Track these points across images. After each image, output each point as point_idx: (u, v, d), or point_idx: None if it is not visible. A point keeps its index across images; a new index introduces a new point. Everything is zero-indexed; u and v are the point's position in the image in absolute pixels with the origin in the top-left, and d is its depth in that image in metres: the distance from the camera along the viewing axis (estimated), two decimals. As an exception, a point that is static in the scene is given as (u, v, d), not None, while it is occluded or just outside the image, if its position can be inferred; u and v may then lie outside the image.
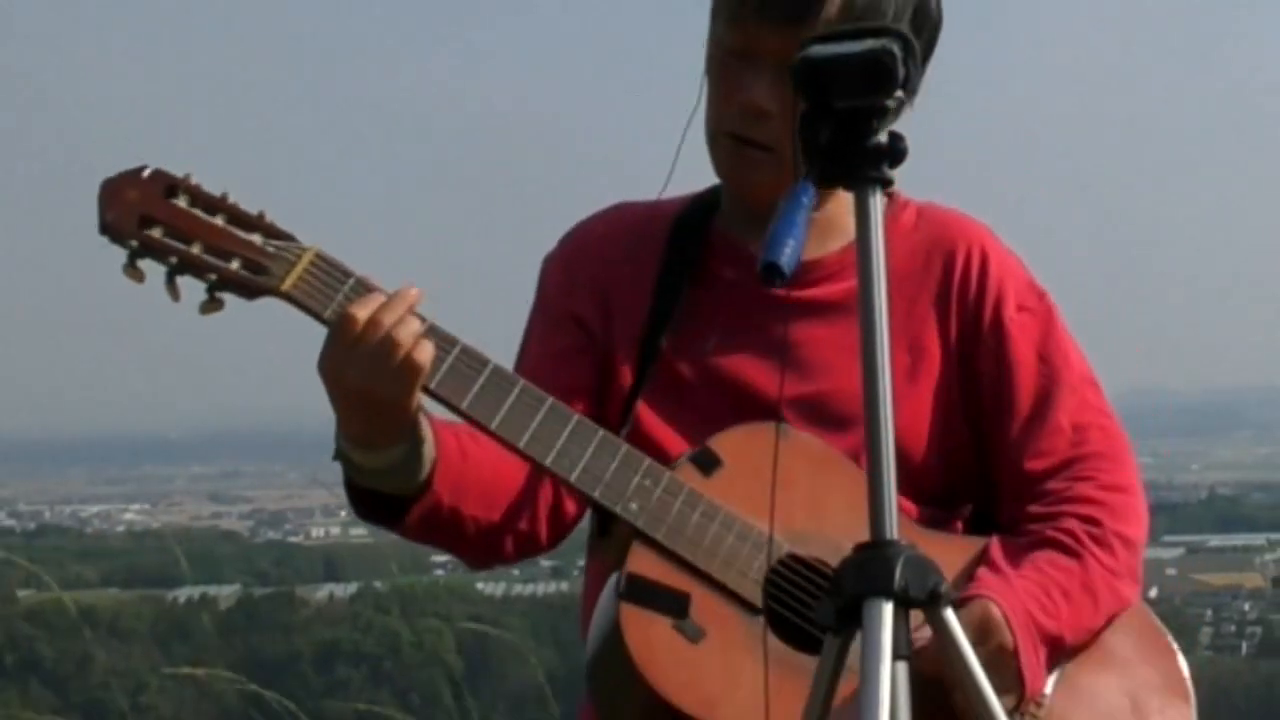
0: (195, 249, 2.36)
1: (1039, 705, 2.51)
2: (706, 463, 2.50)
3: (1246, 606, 49.44)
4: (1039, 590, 2.49)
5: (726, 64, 2.57)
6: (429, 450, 2.46)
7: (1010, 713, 2.42)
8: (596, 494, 2.46)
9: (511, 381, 2.45)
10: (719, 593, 2.45)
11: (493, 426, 2.43)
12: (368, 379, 2.35)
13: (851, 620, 2.09)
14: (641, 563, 2.44)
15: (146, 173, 2.37)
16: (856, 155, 2.14)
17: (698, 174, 2.71)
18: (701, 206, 2.71)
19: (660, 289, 2.65)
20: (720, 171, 2.63)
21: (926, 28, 2.58)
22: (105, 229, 2.35)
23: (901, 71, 2.13)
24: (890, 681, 2.04)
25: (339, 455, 2.47)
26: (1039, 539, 2.54)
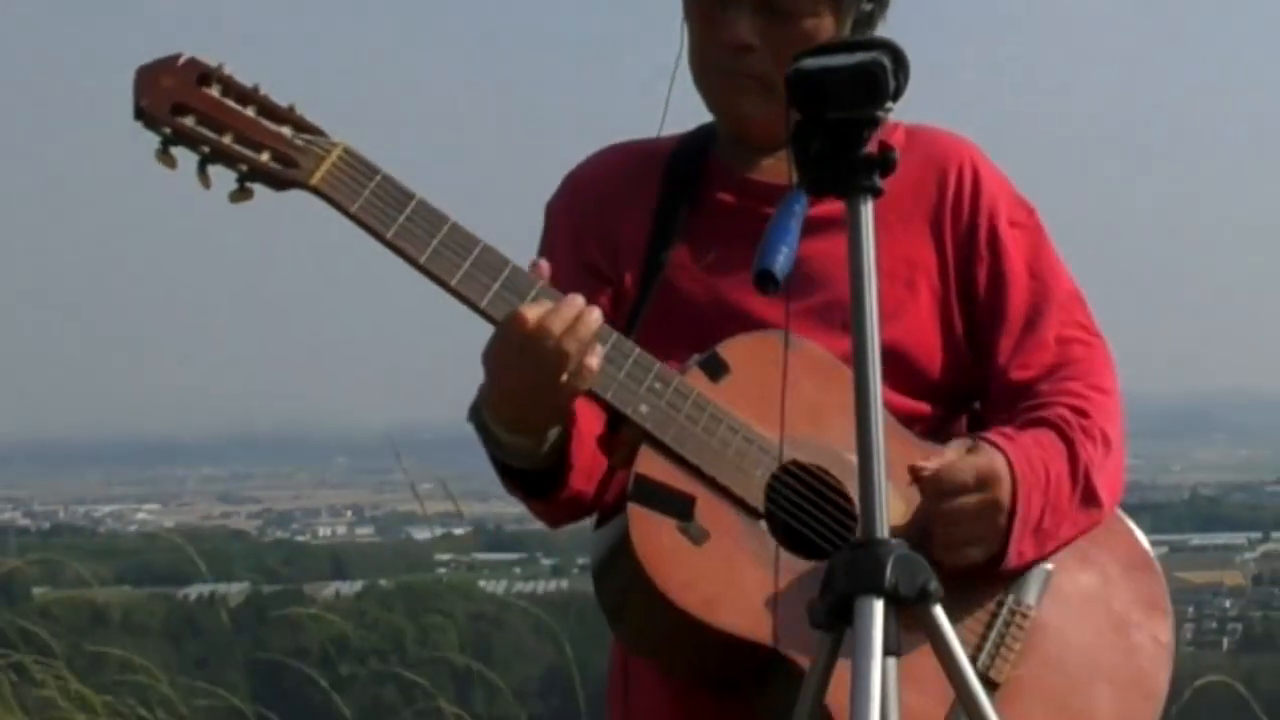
0: (227, 139, 2.35)
1: (1025, 616, 2.53)
2: (715, 369, 2.50)
3: (1227, 603, 49.42)
4: (1040, 463, 2.51)
5: (705, 6, 2.59)
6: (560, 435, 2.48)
7: (979, 570, 2.45)
8: (609, 396, 2.45)
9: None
10: (723, 497, 2.45)
11: None
12: (528, 381, 2.38)
13: (843, 617, 2.09)
14: (649, 464, 2.44)
15: (181, 60, 2.36)
16: (848, 164, 2.15)
17: (688, 121, 2.74)
18: (697, 139, 2.73)
19: (660, 214, 2.65)
20: (713, 106, 2.66)
21: None
22: (139, 115, 2.34)
23: (891, 84, 2.13)
24: (881, 677, 2.04)
25: (481, 427, 2.48)
26: (1032, 419, 2.56)
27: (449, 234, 2.40)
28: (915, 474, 2.45)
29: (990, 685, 2.39)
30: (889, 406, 2.52)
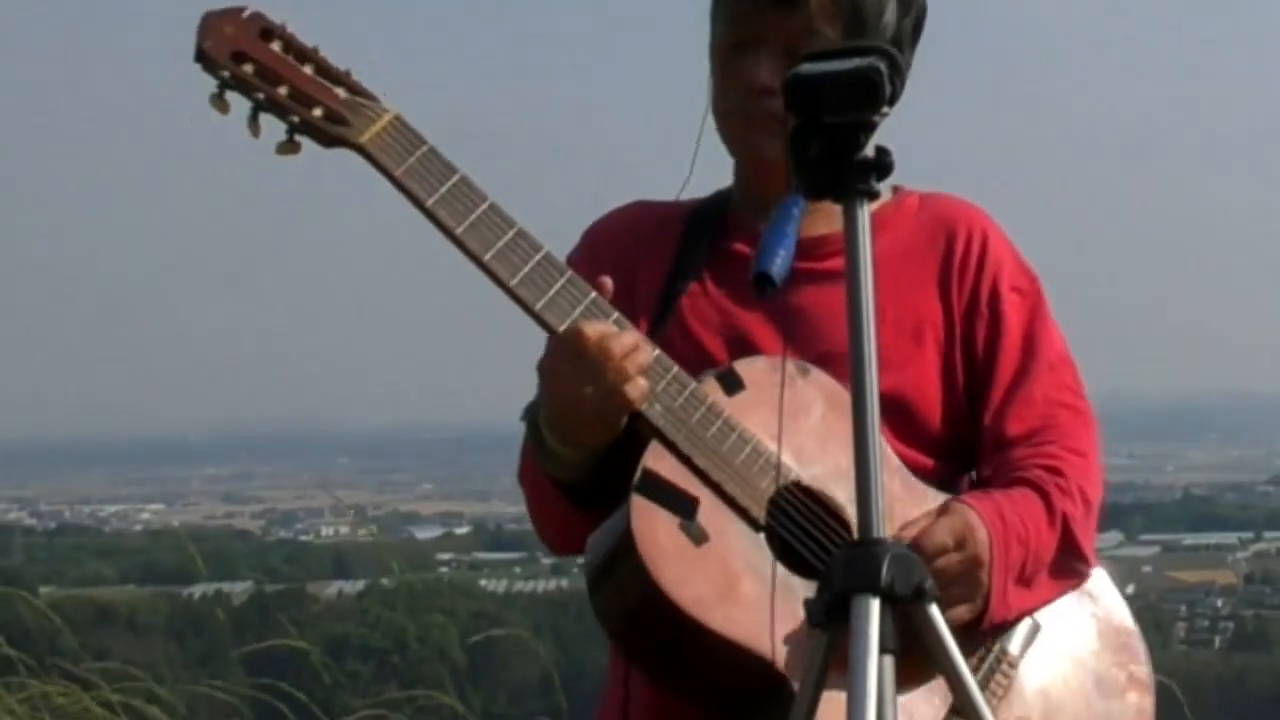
0: (281, 90, 2.38)
1: (1011, 665, 2.52)
2: (731, 382, 2.50)
3: (1219, 602, 49.50)
4: (1014, 516, 2.50)
5: (729, 57, 2.60)
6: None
7: (969, 627, 2.43)
8: None
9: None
10: (726, 504, 2.44)
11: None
12: (583, 396, 2.39)
13: (840, 615, 2.09)
14: (658, 461, 2.43)
15: (246, 13, 2.41)
16: (845, 168, 2.15)
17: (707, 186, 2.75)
18: (716, 199, 2.74)
19: (679, 258, 2.66)
20: (733, 149, 2.66)
21: (914, 8, 2.63)
22: (200, 57, 2.37)
23: (888, 88, 2.14)
24: (877, 675, 2.04)
25: (533, 433, 2.49)
26: (1008, 481, 2.57)
27: (488, 211, 2.41)
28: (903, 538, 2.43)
29: None
30: (903, 458, 2.58)
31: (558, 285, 2.43)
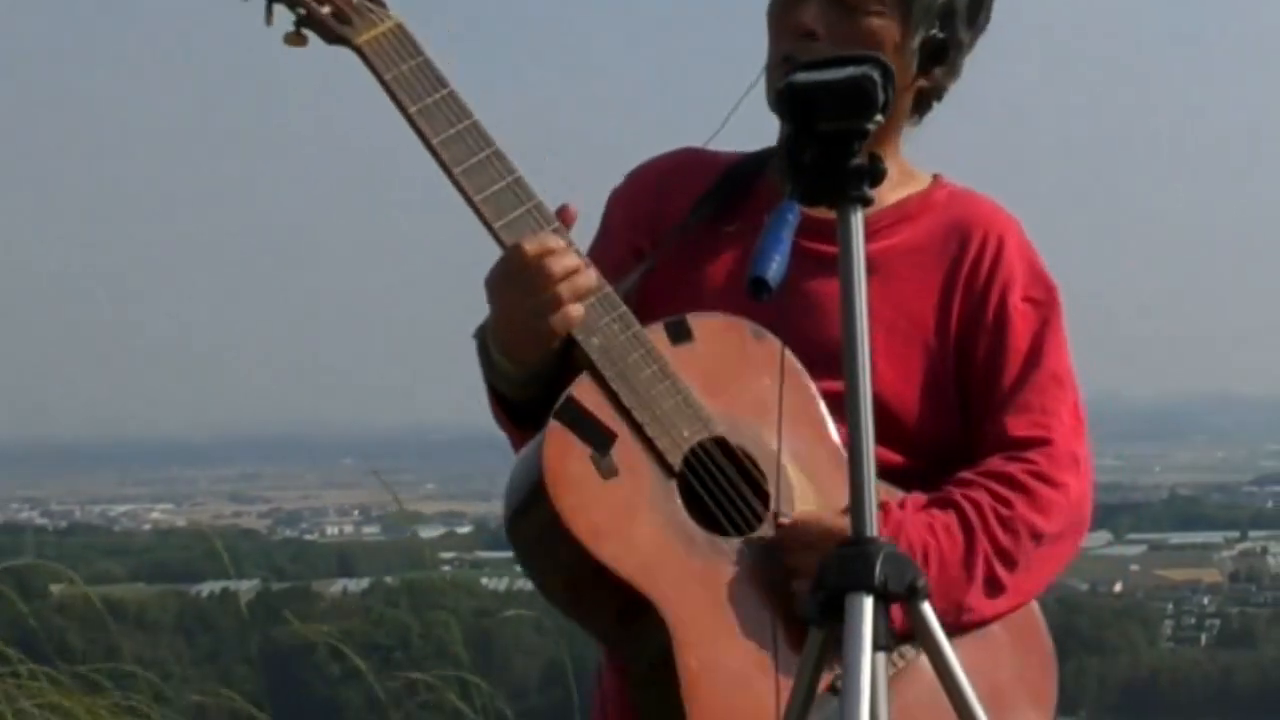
0: None
1: (902, 656, 2.44)
2: (678, 332, 2.48)
3: (1206, 600, 49.50)
4: (917, 531, 2.44)
5: (781, 10, 2.58)
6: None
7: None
8: None
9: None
10: (644, 445, 2.42)
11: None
12: (518, 312, 2.41)
13: (834, 613, 2.09)
14: (584, 393, 2.42)
15: None
16: (839, 176, 2.15)
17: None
18: (756, 159, 2.70)
19: (697, 208, 2.64)
20: (771, 98, 2.60)
21: None
22: None
23: (881, 97, 2.14)
24: (871, 671, 2.04)
25: (481, 346, 2.50)
26: (945, 498, 2.50)
27: (470, 128, 2.43)
28: (778, 527, 2.43)
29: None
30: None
31: (521, 210, 2.43)
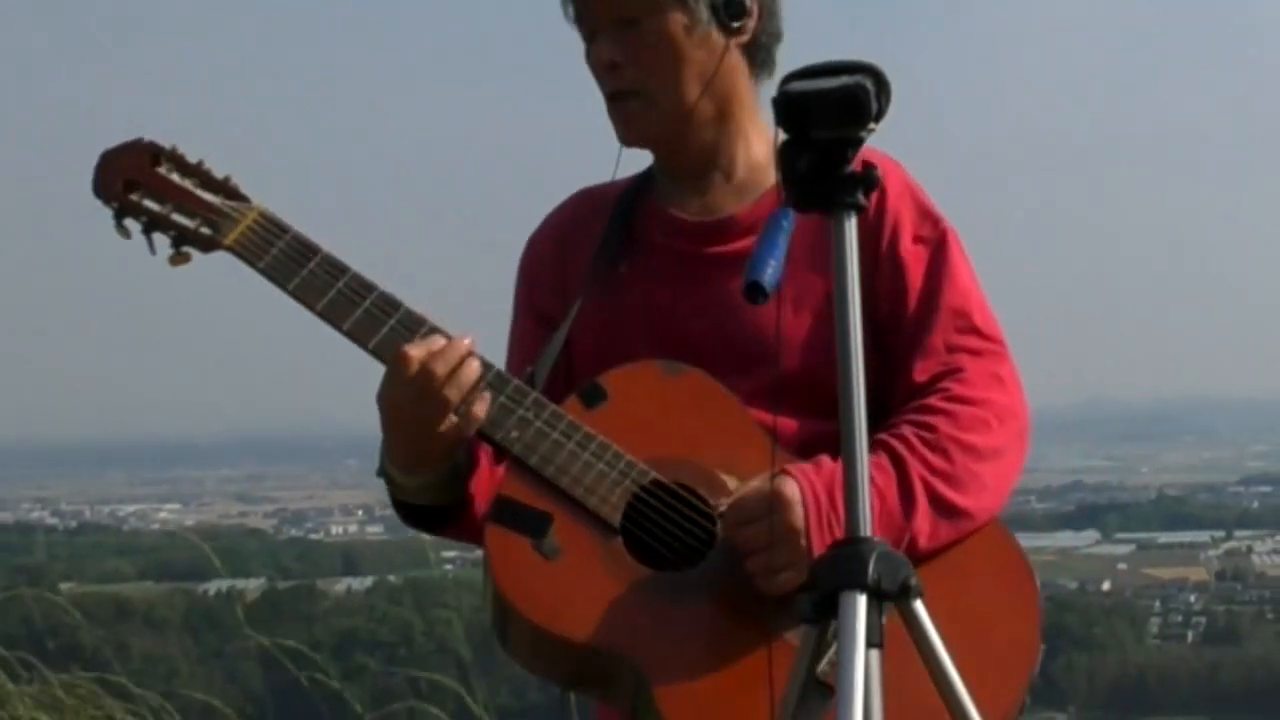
0: (165, 209, 2.50)
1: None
2: (592, 397, 2.47)
3: (1192, 598, 49.56)
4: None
5: (587, 51, 2.58)
6: (464, 469, 2.49)
7: (800, 591, 2.28)
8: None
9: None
10: (581, 515, 2.42)
11: None
12: (416, 421, 2.40)
13: (828, 612, 2.09)
14: (512, 486, 2.42)
15: (139, 143, 2.52)
16: (832, 183, 2.15)
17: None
18: (643, 180, 2.69)
19: (598, 254, 2.62)
20: (617, 136, 2.59)
21: None
22: (96, 192, 2.51)
23: (874, 105, 2.13)
24: (865, 668, 2.04)
25: (382, 472, 2.51)
26: (872, 443, 2.35)
27: (349, 282, 2.47)
28: (718, 517, 2.41)
29: (827, 689, 2.33)
30: (806, 434, 2.48)
31: (389, 324, 2.45)
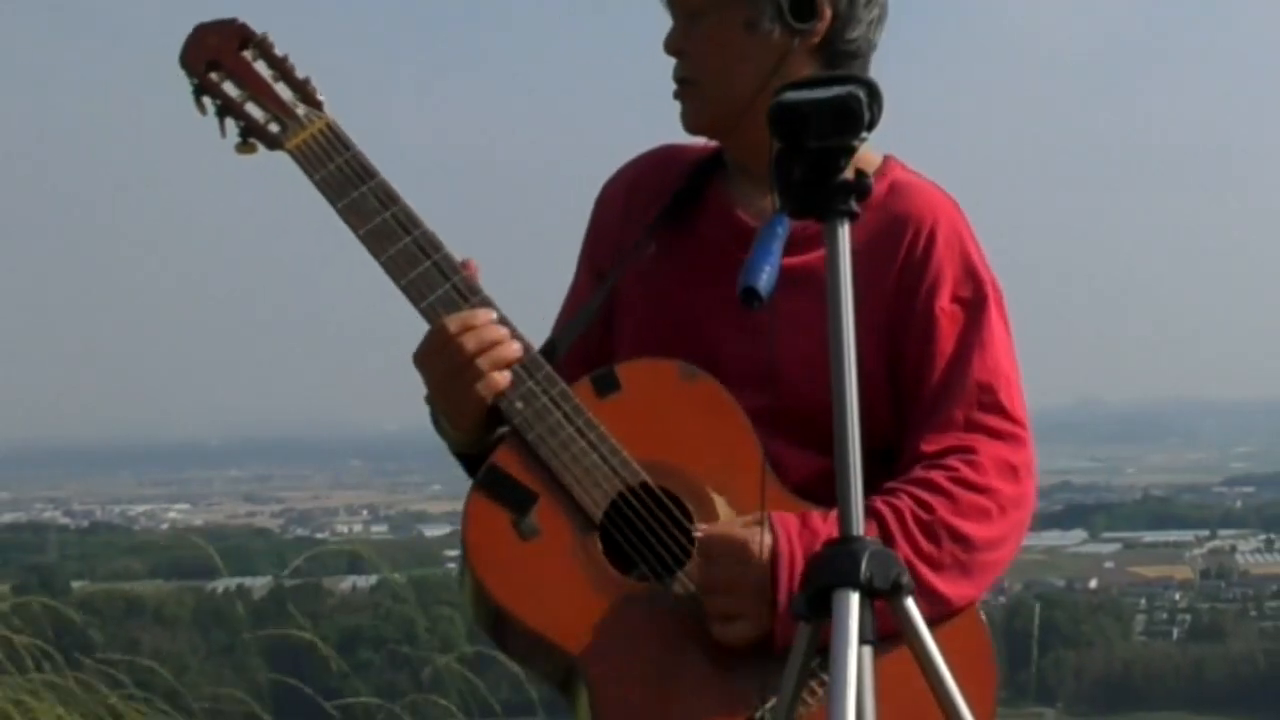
0: (240, 96, 2.51)
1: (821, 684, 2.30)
2: (605, 385, 2.45)
3: (1177, 596, 49.49)
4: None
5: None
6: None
7: (765, 645, 2.30)
8: None
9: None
10: (566, 502, 2.39)
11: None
12: (449, 386, 2.42)
13: (822, 609, 2.09)
14: (506, 457, 2.41)
15: (232, 23, 2.52)
16: (826, 190, 2.15)
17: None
18: (716, 159, 2.64)
19: (655, 223, 2.59)
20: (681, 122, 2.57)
21: None
22: (181, 63, 2.51)
23: (867, 115, 2.14)
24: (857, 663, 2.04)
25: (434, 418, 2.52)
26: (867, 507, 2.28)
27: (395, 214, 2.46)
28: (696, 538, 2.38)
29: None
30: (808, 471, 2.43)
31: (442, 289, 2.44)
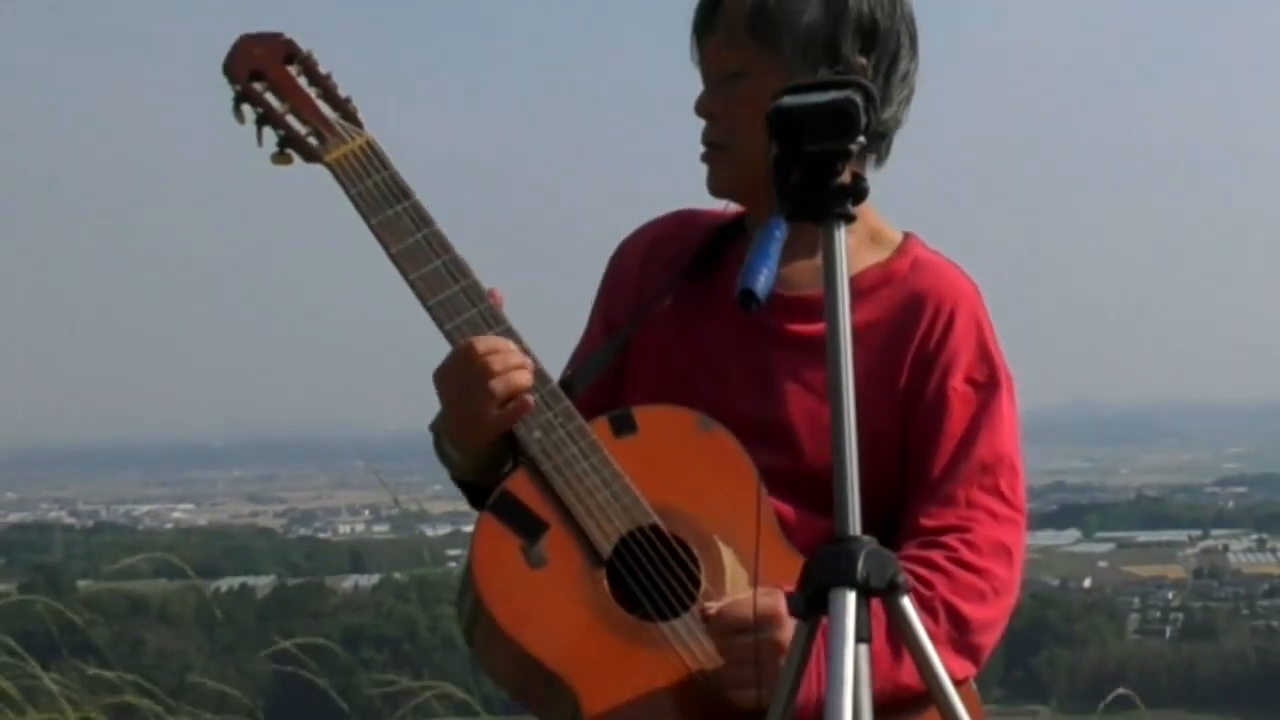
0: (282, 109, 2.51)
1: None
2: (622, 425, 2.45)
3: (1170, 595, 49.50)
4: None
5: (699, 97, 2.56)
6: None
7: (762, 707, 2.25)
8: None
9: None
10: (576, 535, 2.39)
11: None
12: (468, 404, 2.40)
13: (819, 608, 2.09)
14: (519, 485, 2.40)
15: (278, 37, 2.54)
16: (823, 194, 2.15)
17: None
18: (738, 223, 2.64)
19: (673, 282, 2.59)
20: (706, 185, 2.57)
21: (852, 13, 2.47)
22: (225, 70, 2.52)
23: (863, 120, 2.14)
24: (854, 662, 2.04)
25: (439, 452, 2.52)
26: None
27: (428, 236, 2.45)
28: (704, 614, 2.36)
29: None
30: (815, 533, 2.37)
31: (470, 313, 2.43)
